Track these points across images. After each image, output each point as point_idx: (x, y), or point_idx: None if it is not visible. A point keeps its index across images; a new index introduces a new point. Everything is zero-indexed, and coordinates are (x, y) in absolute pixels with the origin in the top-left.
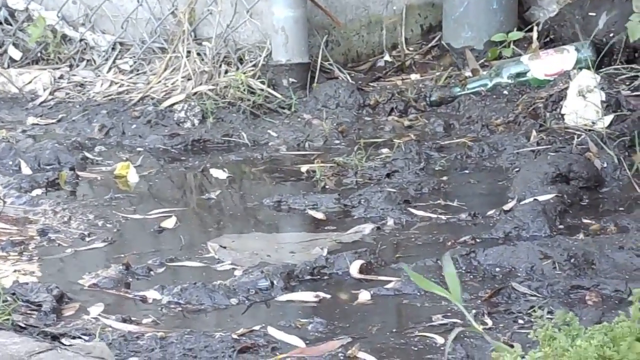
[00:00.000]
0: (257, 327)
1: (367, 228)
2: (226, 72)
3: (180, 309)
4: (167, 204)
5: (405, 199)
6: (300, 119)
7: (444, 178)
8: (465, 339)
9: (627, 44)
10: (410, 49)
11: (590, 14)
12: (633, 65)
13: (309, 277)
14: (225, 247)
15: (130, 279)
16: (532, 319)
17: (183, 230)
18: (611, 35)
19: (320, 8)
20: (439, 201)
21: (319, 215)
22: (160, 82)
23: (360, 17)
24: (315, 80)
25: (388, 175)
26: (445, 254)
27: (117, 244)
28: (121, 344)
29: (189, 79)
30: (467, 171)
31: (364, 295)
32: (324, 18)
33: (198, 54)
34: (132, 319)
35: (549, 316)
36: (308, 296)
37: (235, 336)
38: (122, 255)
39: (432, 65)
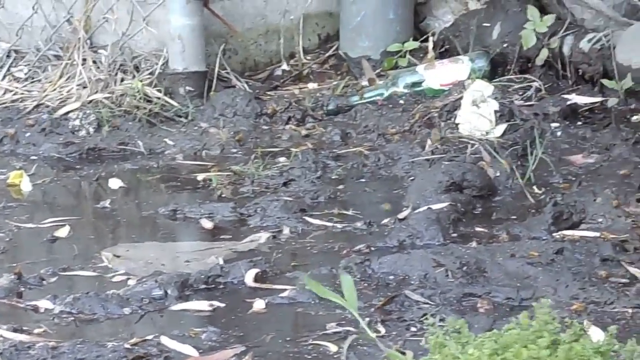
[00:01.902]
0: (150, 337)
1: (263, 237)
2: (122, 80)
3: (72, 318)
4: (61, 212)
5: (302, 207)
6: (197, 128)
7: (341, 187)
8: (359, 346)
9: (520, 55)
10: (308, 58)
11: (484, 24)
12: (526, 76)
13: (203, 286)
14: (119, 256)
15: (22, 289)
16: (425, 327)
17: (77, 240)
18: (505, 45)
19: (217, 17)
20: (334, 210)
21: (214, 225)
22: (55, 90)
23: (257, 26)
24: (213, 88)
25: (285, 184)
26: (341, 262)
27: (9, 253)
28: (12, 354)
29: (84, 87)
30: (363, 180)
31: (259, 304)
32: (221, 27)
33: (94, 62)
34: (24, 328)
35: (440, 324)
36: (202, 305)
37: (127, 346)
38: (14, 265)
39: (330, 75)
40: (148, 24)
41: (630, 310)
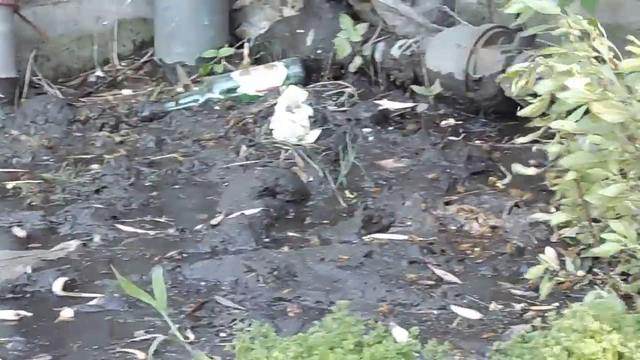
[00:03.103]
0: None
1: (73, 245)
2: None
3: None
4: None
5: (113, 214)
6: (8, 135)
7: (154, 193)
8: (167, 353)
9: (334, 61)
10: (123, 64)
11: (299, 31)
12: (340, 82)
13: (10, 295)
14: None
15: None
16: (234, 332)
17: None
18: (319, 52)
19: (28, 23)
20: (147, 217)
21: (24, 233)
22: None
23: (70, 32)
24: (24, 95)
25: (97, 191)
26: (155, 266)
27: None
28: None
29: None
30: (177, 186)
31: (67, 313)
32: (33, 33)
33: None
34: None
35: (249, 328)
36: (8, 314)
37: None
38: None
39: (145, 81)
40: None
41: (435, 312)
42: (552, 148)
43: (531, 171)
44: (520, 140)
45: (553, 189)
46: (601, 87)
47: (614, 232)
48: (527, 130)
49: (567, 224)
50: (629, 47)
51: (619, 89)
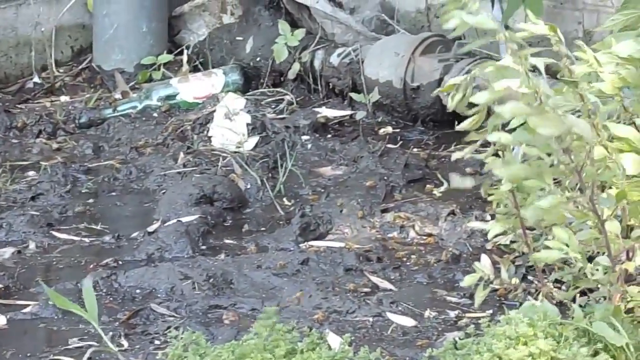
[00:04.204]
0: None
1: (8, 252)
2: None
3: None
4: None
5: (49, 222)
6: None
7: (91, 200)
8: None
9: (273, 68)
10: (61, 70)
11: (238, 38)
12: (279, 89)
13: None
14: None
15: None
16: (168, 340)
17: None
18: (258, 59)
19: None
20: (83, 224)
21: None
22: None
23: (8, 38)
24: None
25: (33, 198)
26: (87, 276)
27: None
28: None
29: None
30: (114, 193)
31: (0, 320)
32: None
33: None
34: None
35: (182, 336)
36: None
37: None
38: None
39: (83, 87)
40: None
41: (370, 319)
42: (488, 159)
43: (468, 183)
44: (457, 155)
45: (489, 199)
46: (537, 100)
47: (555, 239)
48: (464, 140)
49: (502, 232)
50: (576, 53)
51: (560, 101)
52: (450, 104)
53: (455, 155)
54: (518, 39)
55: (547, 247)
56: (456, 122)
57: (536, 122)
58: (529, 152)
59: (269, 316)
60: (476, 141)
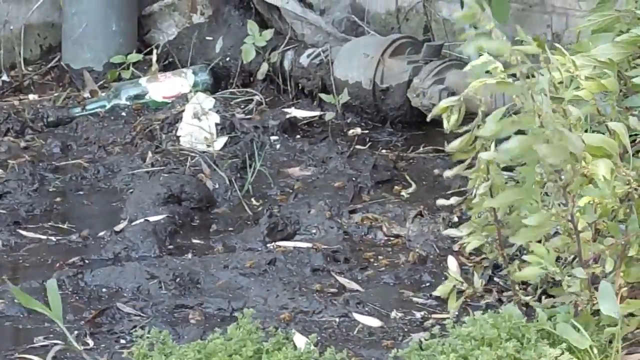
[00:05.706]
0: None
1: None
2: None
3: None
4: None
5: (16, 220)
6: None
7: (58, 199)
8: (65, 359)
9: (242, 68)
10: (29, 69)
11: (207, 38)
12: (248, 89)
13: None
14: None
15: None
16: (133, 339)
17: None
18: (227, 59)
19: None
20: (50, 223)
21: None
22: None
23: None
24: None
25: (0, 197)
26: (52, 276)
27: None
28: None
29: None
30: (81, 192)
31: None
32: None
33: None
34: None
35: (148, 335)
36: None
37: None
38: None
39: (52, 86)
40: None
41: (337, 319)
42: (472, 176)
43: (453, 201)
44: (447, 173)
45: (469, 213)
46: (539, 120)
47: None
48: (432, 141)
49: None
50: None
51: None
52: (446, 125)
53: (447, 174)
54: (526, 58)
55: (524, 261)
56: (423, 125)
57: (545, 153)
58: (522, 172)
59: (246, 317)
60: (463, 160)
